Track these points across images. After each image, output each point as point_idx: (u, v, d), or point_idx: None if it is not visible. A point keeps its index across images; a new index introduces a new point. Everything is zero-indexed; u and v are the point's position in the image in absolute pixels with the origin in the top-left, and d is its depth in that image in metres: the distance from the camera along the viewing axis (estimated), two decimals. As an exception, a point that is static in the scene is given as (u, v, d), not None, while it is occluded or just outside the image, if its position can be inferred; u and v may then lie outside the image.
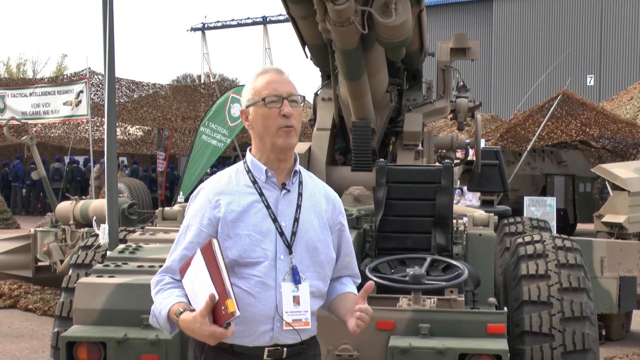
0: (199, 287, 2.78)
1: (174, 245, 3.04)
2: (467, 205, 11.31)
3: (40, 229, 12.38)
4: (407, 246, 5.82)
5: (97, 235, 6.87)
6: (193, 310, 2.76)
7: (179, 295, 2.90)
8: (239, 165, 3.08)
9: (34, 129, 22.48)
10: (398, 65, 7.88)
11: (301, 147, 7.58)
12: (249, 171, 3.02)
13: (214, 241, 2.75)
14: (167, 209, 6.79)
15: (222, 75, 60.20)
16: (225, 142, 16.61)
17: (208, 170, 18.43)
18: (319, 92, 8.20)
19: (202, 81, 42.33)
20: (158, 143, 27.07)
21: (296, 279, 2.91)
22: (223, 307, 2.68)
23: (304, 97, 3.50)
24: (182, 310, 2.79)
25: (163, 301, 2.89)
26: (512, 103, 39.62)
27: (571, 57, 42.87)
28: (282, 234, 2.93)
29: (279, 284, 2.90)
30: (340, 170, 7.87)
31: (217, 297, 2.68)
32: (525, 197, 16.35)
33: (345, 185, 7.24)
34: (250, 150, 3.07)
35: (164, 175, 26.46)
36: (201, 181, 16.16)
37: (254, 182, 2.98)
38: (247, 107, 3.01)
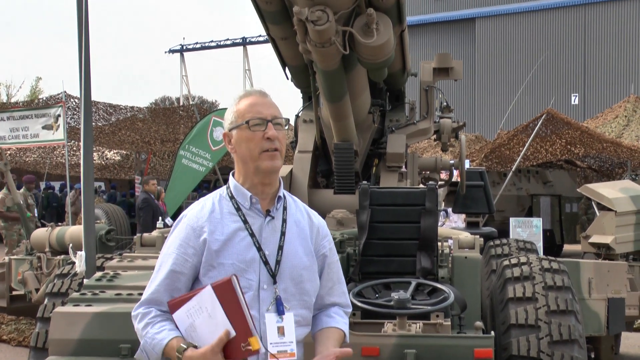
0: (206, 323, 2.75)
1: (155, 273, 2.96)
2: (452, 227, 11.38)
3: (15, 257, 12.07)
4: (392, 270, 5.74)
5: (73, 263, 6.78)
6: (196, 346, 2.74)
7: (172, 329, 2.85)
8: (222, 191, 3.01)
9: (8, 152, 22.01)
10: (380, 85, 7.84)
11: (282, 170, 7.41)
12: (232, 197, 2.96)
13: (234, 278, 2.70)
14: (145, 235, 6.69)
15: (201, 98, 60.18)
16: (208, 167, 16.05)
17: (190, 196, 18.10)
18: (300, 114, 8.13)
19: (181, 103, 41.25)
20: (135, 167, 26.70)
21: (280, 309, 2.86)
22: (243, 344, 2.69)
23: (288, 119, 3.49)
24: (185, 347, 2.75)
25: (155, 336, 2.83)
26: (496, 123, 39.25)
27: (555, 76, 42.98)
28: (266, 262, 2.88)
29: (263, 314, 2.85)
30: (322, 193, 7.78)
31: (232, 333, 2.70)
32: (511, 218, 16.05)
33: (327, 208, 7.17)
34: (233, 175, 3.02)
35: None
36: (181, 208, 15.82)
37: (238, 208, 2.93)
38: (230, 130, 2.96)
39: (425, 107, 8.48)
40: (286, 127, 2.99)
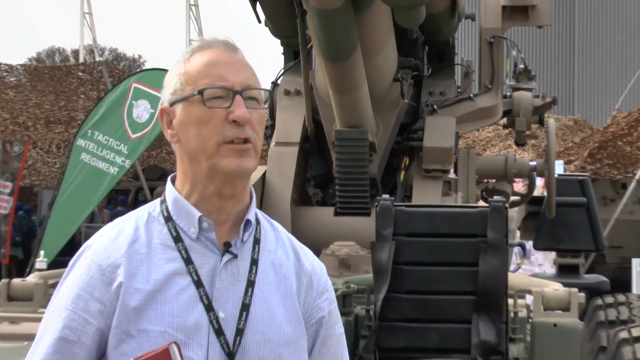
0: None
1: (34, 346, 2.42)
2: (534, 273, 10.24)
3: None
4: (430, 345, 5.10)
5: None
6: None
7: None
8: (152, 208, 2.45)
9: None
10: (414, 36, 6.90)
11: (252, 175, 6.07)
12: (168, 219, 2.40)
13: (174, 347, 2.24)
14: (16, 281, 5.83)
15: (114, 51, 48.60)
16: (123, 166, 12.62)
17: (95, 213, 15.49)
18: (279, 81, 7.14)
19: (81, 60, 30.65)
20: (2, 166, 18.57)
21: None
22: None
23: (270, 91, 3.23)
24: None
25: None
26: (609, 101, 30.95)
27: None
28: (219, 332, 2.32)
29: None
30: (315, 213, 6.91)
31: None
32: (633, 260, 13.76)
33: (324, 239, 6.30)
34: (172, 181, 2.46)
35: (10, 222, 18.39)
36: (82, 235, 13.66)
37: (178, 238, 2.37)
38: (172, 104, 2.41)
39: (488, 72, 7.35)
40: (266, 105, 2.82)
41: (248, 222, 2.47)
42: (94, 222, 15.85)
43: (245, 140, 2.40)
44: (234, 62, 2.47)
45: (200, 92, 2.41)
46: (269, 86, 7.20)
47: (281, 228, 2.64)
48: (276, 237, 2.58)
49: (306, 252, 2.63)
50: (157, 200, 2.53)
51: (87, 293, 2.40)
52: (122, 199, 21.57)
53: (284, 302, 2.52)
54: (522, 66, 7.75)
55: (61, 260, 8.91)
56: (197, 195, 2.45)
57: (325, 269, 2.66)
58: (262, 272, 2.49)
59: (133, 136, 12.31)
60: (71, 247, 11.83)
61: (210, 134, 2.40)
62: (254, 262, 2.48)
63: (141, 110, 12.13)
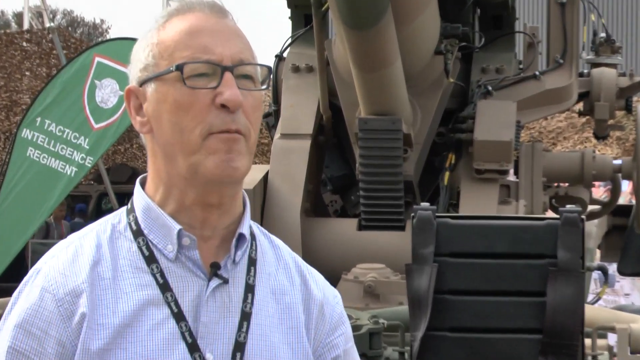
0: None
1: None
2: (618, 305, 9.06)
3: None
4: None
5: None
6: None
7: None
8: (115, 219, 2.19)
9: None
10: None
11: (250, 176, 5.94)
12: (138, 233, 2.13)
13: None
14: None
15: (69, 14, 41.45)
16: (84, 165, 11.35)
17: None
18: (285, 54, 6.58)
19: (26, 26, 27.30)
20: None
21: None
22: None
23: (268, 68, 2.29)
24: None
25: None
26: None
27: None
28: None
29: None
30: (333, 227, 6.38)
31: None
32: None
33: (344, 260, 5.77)
34: (142, 185, 2.21)
35: None
36: (29, 254, 13.16)
37: (150, 258, 2.10)
38: (142, 83, 2.14)
39: (560, 43, 6.62)
40: (264, 87, 2.15)
41: (241, 237, 2.18)
42: (49, 238, 14.47)
43: (237, 131, 2.10)
44: (223, 29, 2.17)
45: (179, 68, 2.11)
46: (271, 61, 6.51)
47: (283, 245, 2.37)
48: (277, 257, 2.32)
49: (316, 276, 2.36)
50: (122, 210, 2.24)
51: (40, 330, 2.14)
52: (80, 207, 18.09)
53: (288, 340, 2.28)
54: (603, 35, 7.04)
55: (1, 287, 8.09)
56: (174, 204, 2.17)
57: (339, 297, 2.41)
58: (260, 302, 2.24)
59: (96, 126, 10.53)
60: (15, 269, 10.63)
61: (191, 123, 2.10)
62: (250, 289, 2.22)
63: (107, 93, 10.39)
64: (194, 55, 2.10)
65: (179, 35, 2.12)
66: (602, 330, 5.18)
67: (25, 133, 10.71)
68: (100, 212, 16.82)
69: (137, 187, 2.20)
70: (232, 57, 2.11)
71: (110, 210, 12.05)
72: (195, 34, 2.12)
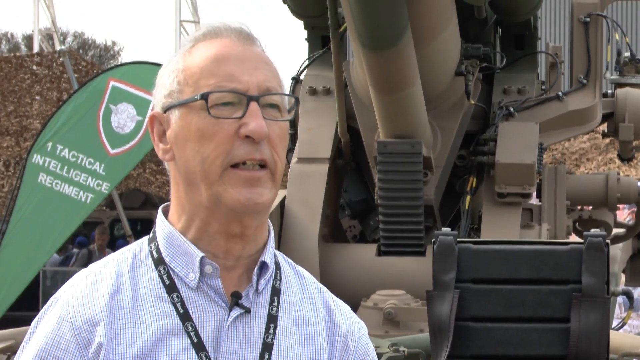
0: None
1: None
2: None
3: None
4: None
5: None
6: None
7: None
8: (138, 248, 2.21)
9: None
10: (483, 15, 6.25)
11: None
12: (159, 262, 2.16)
13: None
14: None
15: (80, 37, 39.96)
16: (100, 191, 10.42)
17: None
18: (302, 76, 6.56)
19: (36, 49, 26.71)
20: None
21: None
22: None
23: (296, 100, 2.92)
24: None
25: None
26: None
27: None
28: None
29: None
30: (352, 252, 6.31)
31: None
32: None
33: (363, 286, 5.73)
34: (164, 214, 2.24)
35: None
36: (44, 282, 13.06)
37: (171, 287, 2.14)
38: (166, 110, 2.16)
39: (583, 63, 6.59)
40: (291, 116, 2.53)
41: (264, 265, 2.21)
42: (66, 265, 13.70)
43: (261, 163, 2.12)
44: (250, 57, 2.18)
45: (204, 97, 2.11)
46: (287, 84, 6.43)
47: (308, 275, 2.39)
48: (302, 287, 2.34)
49: (341, 307, 2.40)
50: (144, 239, 2.26)
51: (57, 359, 2.19)
52: (80, 240, 17.29)
53: None
54: (627, 54, 6.94)
55: (14, 316, 7.89)
56: (197, 232, 2.19)
57: (366, 329, 2.40)
58: (283, 333, 2.24)
59: (112, 152, 10.21)
60: (29, 298, 10.32)
61: (213, 153, 2.12)
62: (272, 319, 2.24)
63: (123, 118, 10.10)
64: (219, 83, 2.12)
65: (204, 62, 2.14)
66: (628, 357, 5.08)
67: (36, 159, 10.59)
68: (113, 238, 16.18)
69: (160, 216, 2.23)
70: (259, 86, 2.12)
71: (123, 236, 11.75)
72: (221, 62, 2.13)
